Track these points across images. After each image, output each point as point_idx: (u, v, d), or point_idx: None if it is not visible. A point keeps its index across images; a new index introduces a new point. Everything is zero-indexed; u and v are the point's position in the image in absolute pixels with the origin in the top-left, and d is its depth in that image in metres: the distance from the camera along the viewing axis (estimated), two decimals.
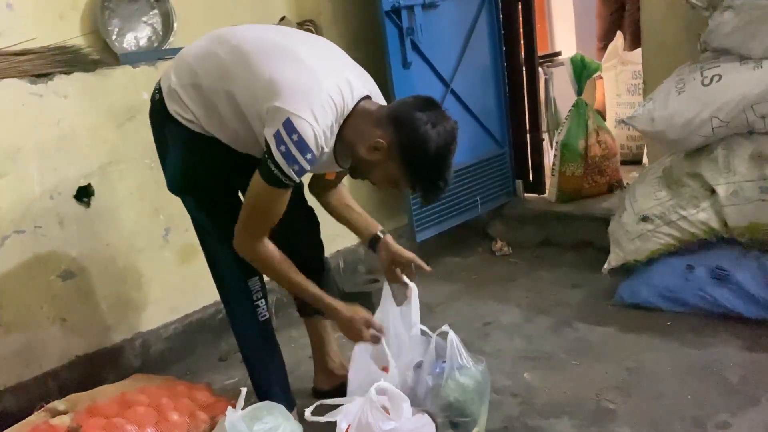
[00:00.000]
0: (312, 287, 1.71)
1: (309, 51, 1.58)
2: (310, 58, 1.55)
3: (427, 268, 1.86)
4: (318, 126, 1.47)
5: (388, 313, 1.75)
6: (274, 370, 1.91)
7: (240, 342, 1.92)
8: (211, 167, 1.57)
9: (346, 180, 1.92)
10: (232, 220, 1.64)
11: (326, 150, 1.54)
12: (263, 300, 1.85)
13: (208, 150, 1.63)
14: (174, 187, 1.80)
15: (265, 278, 1.85)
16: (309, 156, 1.48)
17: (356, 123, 1.57)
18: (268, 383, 1.88)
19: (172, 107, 1.66)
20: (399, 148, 1.52)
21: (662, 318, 2.31)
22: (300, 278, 1.69)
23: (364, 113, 1.57)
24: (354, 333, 1.71)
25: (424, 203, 1.73)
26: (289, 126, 1.45)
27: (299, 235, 1.95)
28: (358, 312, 1.71)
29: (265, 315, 1.86)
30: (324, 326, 2.09)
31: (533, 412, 1.90)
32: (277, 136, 1.46)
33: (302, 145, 1.46)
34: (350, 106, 1.56)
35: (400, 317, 1.77)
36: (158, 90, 1.72)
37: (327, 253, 2.10)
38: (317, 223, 2.04)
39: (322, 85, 1.50)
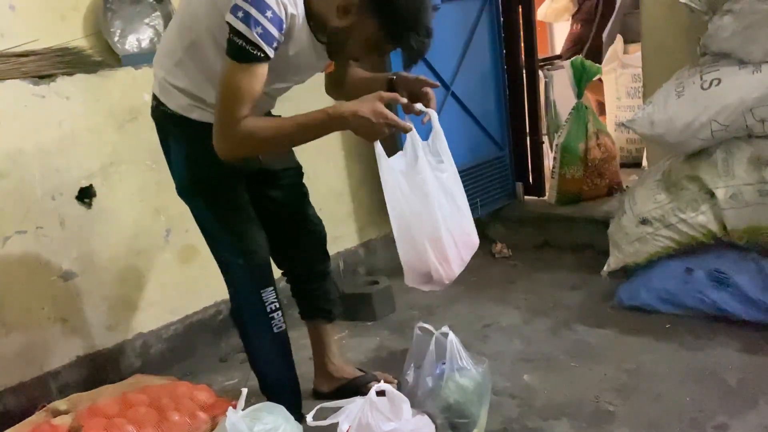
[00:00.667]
0: (312, 114, 1.53)
1: None
2: None
3: (437, 83, 1.73)
4: None
5: (417, 145, 1.63)
6: (288, 383, 1.91)
7: (251, 354, 1.90)
8: (215, 162, 1.55)
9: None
10: (239, 222, 1.62)
11: (291, 11, 1.45)
12: (279, 312, 1.81)
13: (211, 145, 1.62)
14: (182, 187, 1.77)
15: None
16: (269, 14, 1.40)
17: None
18: (281, 396, 1.82)
19: (172, 103, 1.66)
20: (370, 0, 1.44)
21: (661, 320, 2.32)
22: (294, 119, 1.54)
23: None
24: (368, 124, 1.50)
25: (408, 64, 1.58)
26: None
27: (305, 244, 1.96)
28: (363, 101, 1.51)
29: (280, 326, 1.83)
30: (325, 329, 2.08)
31: (532, 413, 1.90)
32: (234, 8, 1.40)
33: (260, 3, 1.39)
34: None
35: (428, 147, 1.69)
36: (154, 97, 1.72)
37: None
38: (324, 233, 2.02)
39: None
